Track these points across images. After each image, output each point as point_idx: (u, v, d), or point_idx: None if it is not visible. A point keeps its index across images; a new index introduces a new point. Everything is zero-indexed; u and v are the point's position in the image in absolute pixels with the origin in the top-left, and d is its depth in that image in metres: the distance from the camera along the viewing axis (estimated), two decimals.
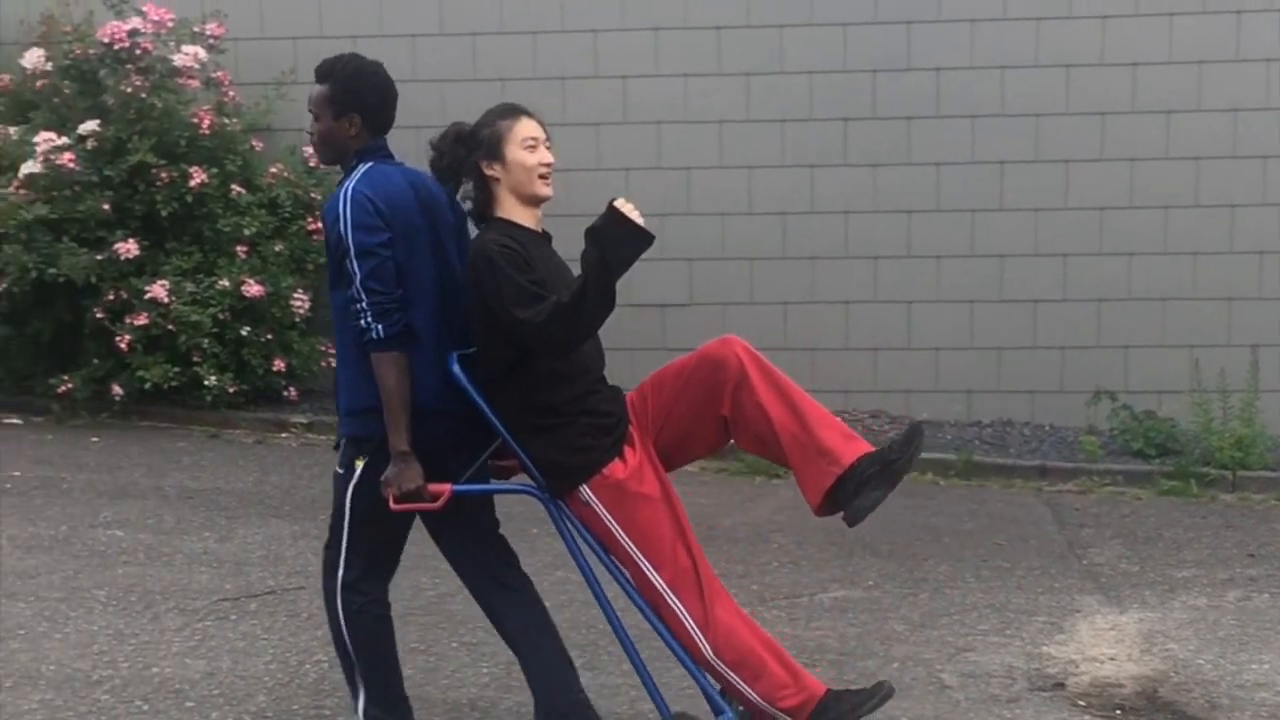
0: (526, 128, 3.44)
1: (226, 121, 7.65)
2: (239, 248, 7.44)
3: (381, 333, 3.31)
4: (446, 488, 3.36)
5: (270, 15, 8.11)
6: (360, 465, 3.40)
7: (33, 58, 7.50)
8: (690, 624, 3.32)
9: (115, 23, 7.40)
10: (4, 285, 7.17)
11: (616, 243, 3.17)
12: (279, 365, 7.49)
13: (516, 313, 3.24)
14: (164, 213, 7.33)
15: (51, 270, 7.09)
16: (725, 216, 7.92)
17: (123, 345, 7.16)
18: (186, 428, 7.45)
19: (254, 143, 7.78)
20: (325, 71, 3.45)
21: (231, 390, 7.35)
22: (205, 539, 5.60)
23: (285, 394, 7.66)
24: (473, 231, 3.50)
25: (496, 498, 3.64)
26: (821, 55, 7.77)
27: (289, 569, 5.25)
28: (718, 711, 3.40)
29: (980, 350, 7.89)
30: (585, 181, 7.23)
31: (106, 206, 7.28)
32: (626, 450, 3.38)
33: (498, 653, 4.14)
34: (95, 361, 7.33)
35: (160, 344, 7.25)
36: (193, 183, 7.32)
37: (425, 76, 7.71)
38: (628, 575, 3.41)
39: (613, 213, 3.17)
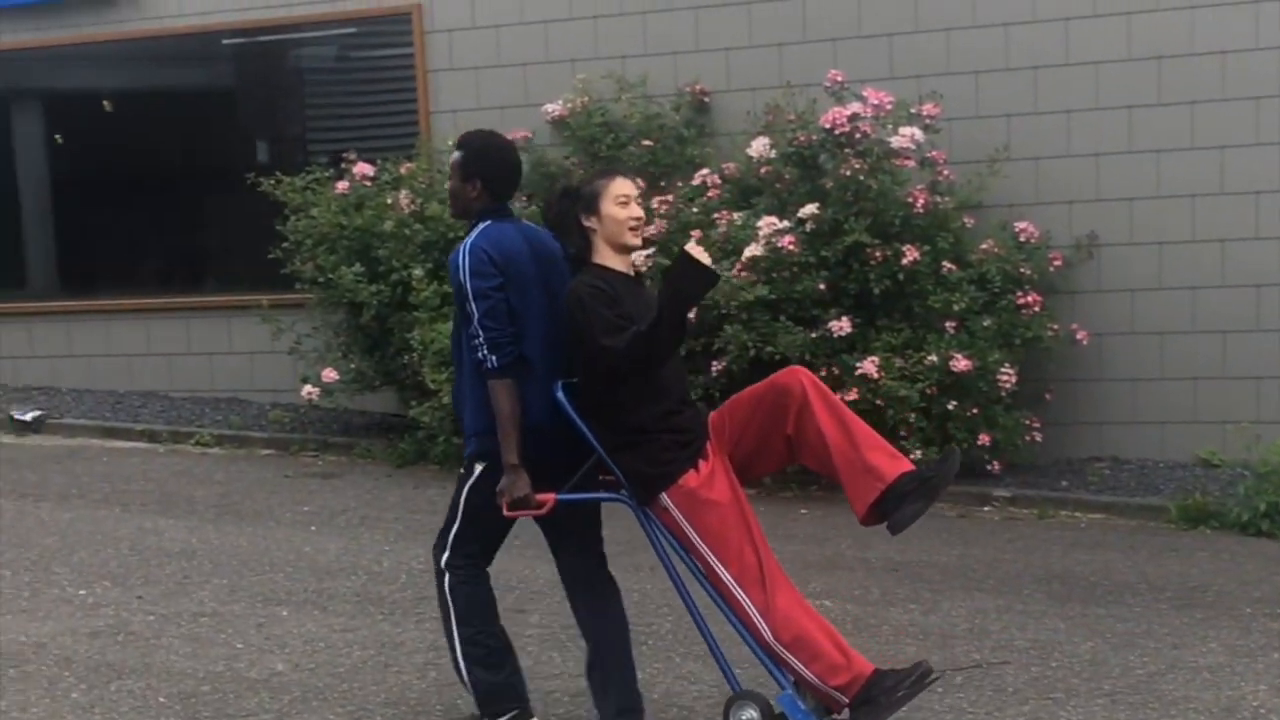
0: (620, 186, 4.67)
1: (940, 200, 8.94)
2: (948, 323, 8.64)
3: (496, 363, 4.59)
4: (551, 497, 4.58)
5: (985, 94, 9.43)
6: (479, 468, 4.71)
7: (758, 146, 9.20)
8: (753, 612, 4.48)
9: (837, 109, 8.87)
10: (724, 364, 8.80)
11: (688, 281, 4.38)
12: (984, 439, 8.59)
13: (603, 340, 4.46)
14: (876, 290, 8.70)
15: (769, 348, 8.60)
16: None
17: None
18: None
19: (966, 219, 9.02)
20: (461, 142, 4.84)
21: None
22: (911, 611, 6.54)
23: (988, 468, 8.76)
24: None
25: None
26: None
27: (994, 643, 6.06)
28: (781, 684, 4.50)
29: None
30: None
31: (822, 286, 8.71)
32: (701, 462, 4.55)
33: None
34: None
35: (868, 419, 8.49)
36: (905, 260, 8.63)
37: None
38: (701, 569, 4.56)
39: (685, 256, 4.38)
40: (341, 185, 9.98)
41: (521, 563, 6.88)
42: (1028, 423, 8.95)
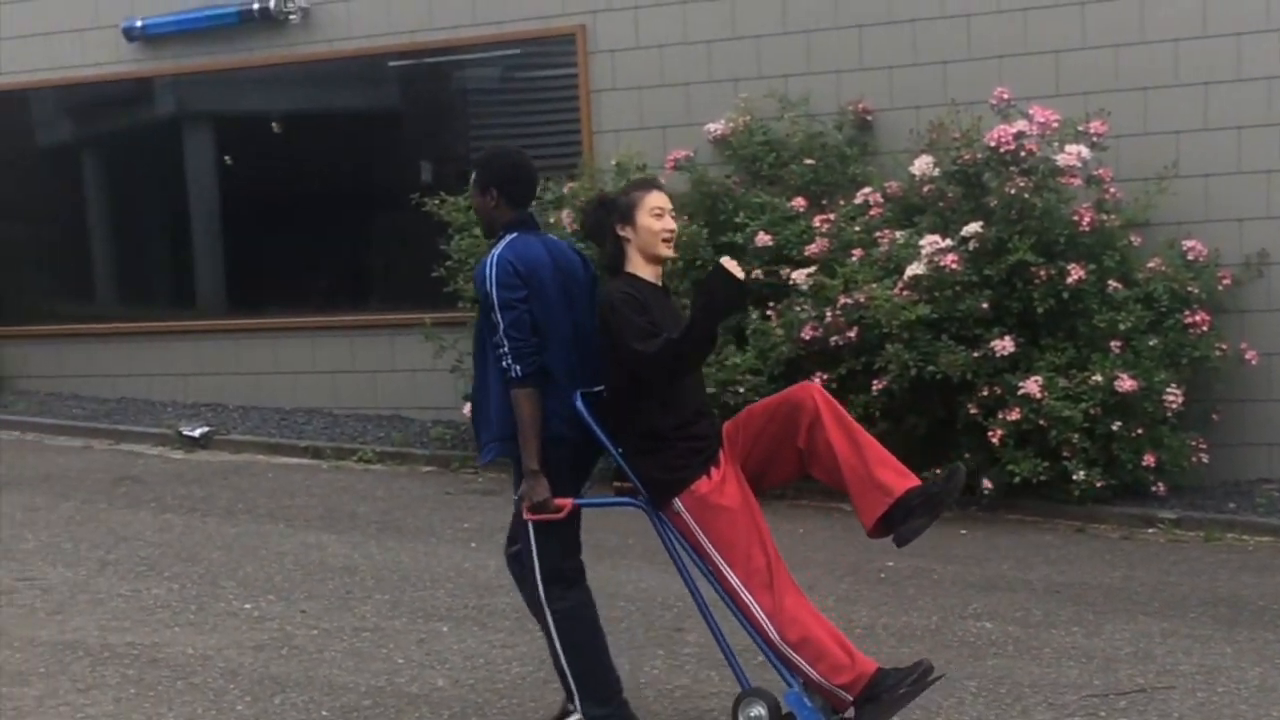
0: (656, 199, 5.09)
1: (1106, 218, 9.18)
2: (1113, 343, 8.87)
3: (519, 372, 4.95)
4: (569, 501, 4.97)
5: (1154, 110, 9.66)
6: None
7: (921, 164, 9.52)
8: (759, 613, 4.89)
9: (1002, 126, 9.14)
10: (885, 383, 9.10)
11: (721, 293, 4.76)
12: (1149, 460, 8.81)
13: (634, 346, 4.84)
14: (1040, 310, 8.96)
15: (930, 368, 8.90)
16: None
17: (994, 440, 8.82)
18: (1052, 521, 8.95)
19: (1132, 238, 9.25)
20: (477, 159, 5.30)
21: (1099, 485, 8.75)
22: (1073, 633, 6.72)
23: (1153, 489, 8.98)
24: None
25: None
26: None
27: (1159, 667, 6.21)
28: (786, 684, 4.89)
29: None
30: None
31: (985, 305, 8.98)
32: (713, 469, 4.96)
33: None
34: (966, 455, 8.97)
35: (1030, 439, 8.83)
36: (1070, 279, 8.88)
37: None
38: (710, 572, 4.96)
39: (719, 268, 4.74)
40: None
41: (679, 582, 7.31)
42: (1194, 444, 9.15)
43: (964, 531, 8.81)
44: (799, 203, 9.92)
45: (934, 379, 8.97)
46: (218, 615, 6.94)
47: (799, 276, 9.41)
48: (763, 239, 9.72)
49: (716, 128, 10.62)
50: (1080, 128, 9.23)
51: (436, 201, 10.73)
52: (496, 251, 5.08)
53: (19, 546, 8.20)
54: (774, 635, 4.89)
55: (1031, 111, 9.18)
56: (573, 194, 10.39)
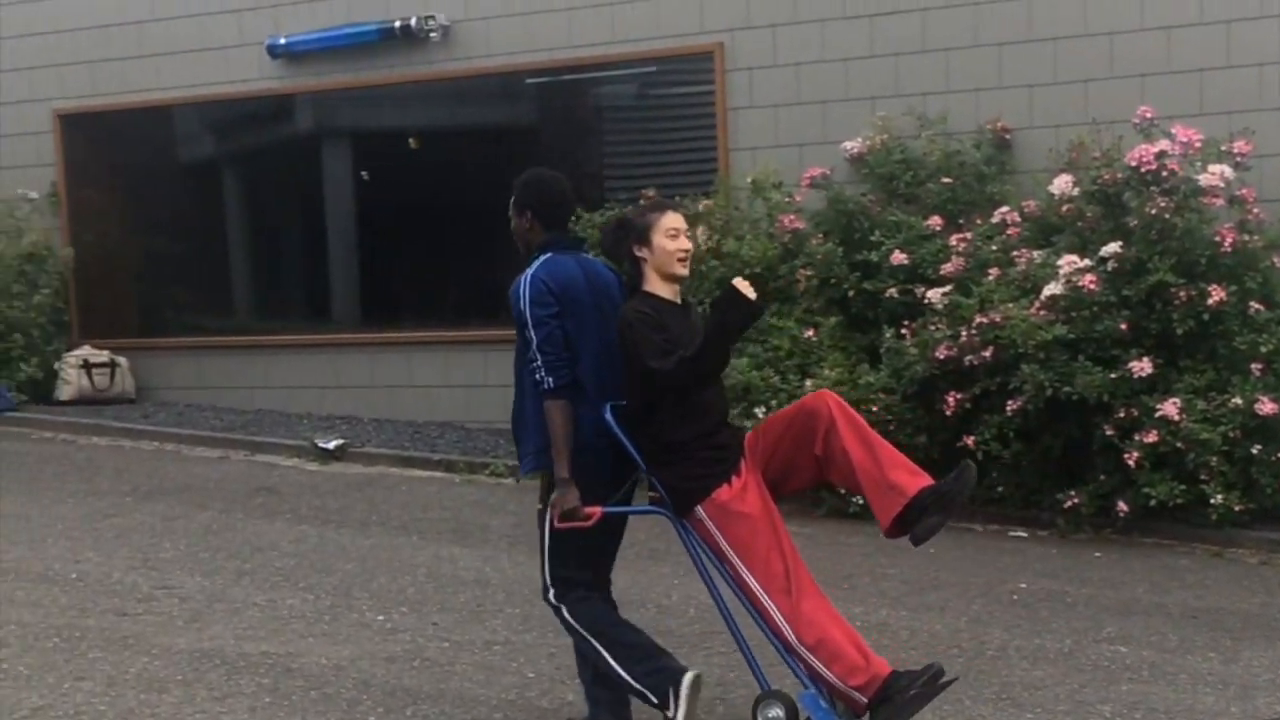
0: (671, 220, 5.43)
1: (1248, 239, 9.32)
2: (1254, 365, 9.02)
3: (551, 384, 5.33)
4: (598, 510, 5.29)
5: None
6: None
7: (1060, 184, 9.70)
8: (778, 616, 5.19)
9: (1144, 146, 9.30)
10: (1020, 403, 9.26)
11: (734, 313, 5.16)
12: None
13: (650, 362, 5.19)
14: (1179, 331, 9.10)
15: (1066, 389, 9.07)
16: None
17: (1130, 462, 8.96)
18: (1189, 545, 9.08)
19: (1275, 259, 9.38)
20: (516, 182, 5.65)
21: (1237, 509, 8.88)
22: (1210, 659, 6.79)
23: None
24: None
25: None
26: None
27: None
28: (804, 684, 5.19)
29: None
30: None
31: (1124, 326, 9.14)
32: (734, 478, 5.27)
33: None
34: (1102, 478, 9.19)
35: (1168, 461, 8.98)
36: (1210, 301, 9.02)
37: None
38: (731, 576, 5.27)
39: (733, 289, 5.14)
40: None
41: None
42: None
43: (1099, 554, 8.97)
44: (935, 221, 10.18)
45: (1070, 400, 9.12)
46: (351, 626, 7.21)
47: (934, 295, 9.66)
48: (898, 257, 10.01)
49: (853, 146, 10.93)
50: (1223, 147, 9.37)
51: (572, 218, 11.07)
52: (530, 271, 5.49)
53: (158, 555, 8.60)
54: (791, 637, 5.20)
55: (1174, 131, 9.34)
56: (708, 212, 10.76)
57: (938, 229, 10.14)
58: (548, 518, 5.48)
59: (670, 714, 5.31)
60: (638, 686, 5.40)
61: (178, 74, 13.63)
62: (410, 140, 13.05)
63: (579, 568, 5.55)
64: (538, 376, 5.38)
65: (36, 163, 14.26)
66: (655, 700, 5.36)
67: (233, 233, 14.04)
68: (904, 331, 9.87)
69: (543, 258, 5.54)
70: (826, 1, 11.32)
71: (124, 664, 6.55)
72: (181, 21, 13.56)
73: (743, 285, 5.17)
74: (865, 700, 5.14)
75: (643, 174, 11.97)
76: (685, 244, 5.45)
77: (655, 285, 5.46)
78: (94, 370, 13.88)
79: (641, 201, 10.84)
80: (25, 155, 14.30)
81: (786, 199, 10.76)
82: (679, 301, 5.52)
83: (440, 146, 13.12)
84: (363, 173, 13.35)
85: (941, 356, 9.53)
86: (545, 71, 12.43)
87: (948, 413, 9.57)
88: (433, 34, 12.51)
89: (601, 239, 5.69)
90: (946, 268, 9.80)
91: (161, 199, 14.21)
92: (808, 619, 5.19)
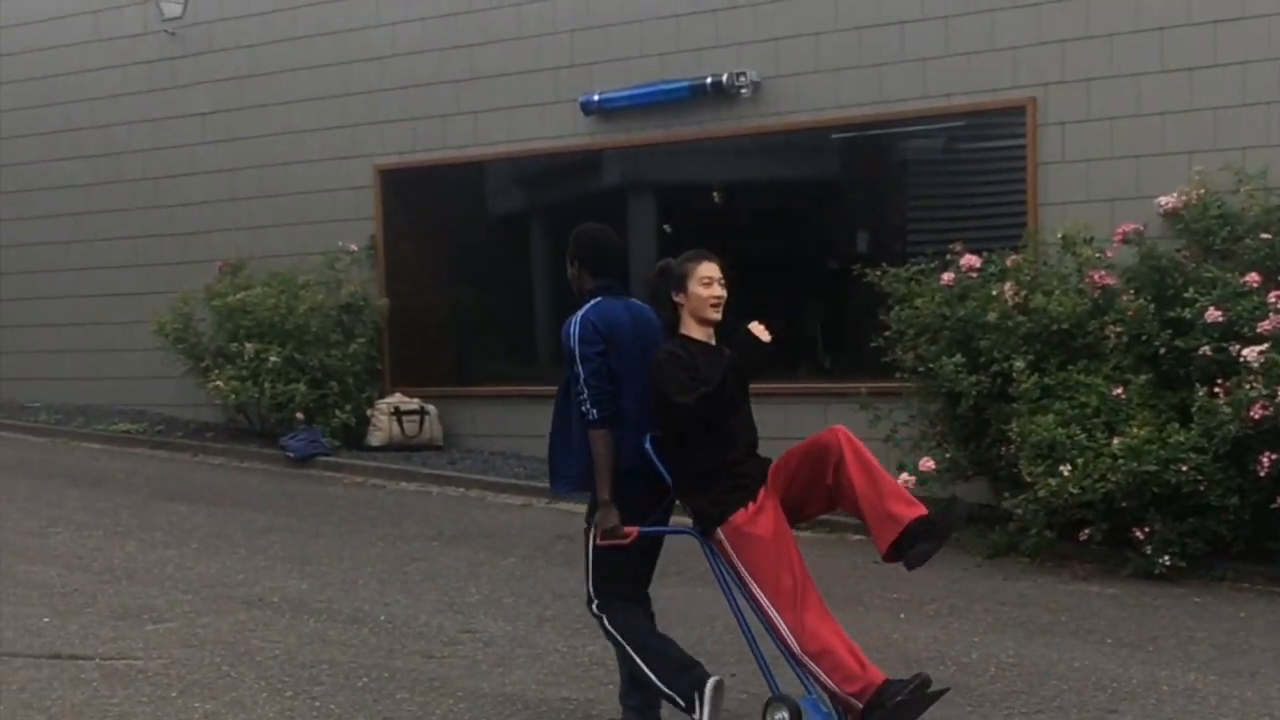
0: (706, 269, 6.22)
1: None
2: None
3: (595, 415, 6.17)
4: (635, 529, 6.09)
5: None
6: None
7: None
8: (784, 627, 6.01)
9: None
10: None
11: (749, 355, 5.97)
12: None
13: (675, 398, 6.00)
14: None
15: None
16: None
17: None
18: None
19: None
20: (570, 235, 6.55)
21: None
22: None
23: None
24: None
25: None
26: None
27: None
28: (807, 689, 6.03)
29: None
30: None
31: None
32: (750, 504, 6.05)
33: None
34: None
35: None
36: None
37: None
38: (745, 591, 6.10)
39: (748, 333, 5.91)
40: (946, 276, 11.25)
41: (1114, 662, 7.87)
42: None
43: None
44: (1252, 278, 10.29)
45: None
46: None
47: (1250, 354, 9.80)
48: (1212, 314, 10.17)
49: (1168, 201, 11.12)
50: None
51: (878, 272, 11.57)
52: (580, 313, 6.38)
53: (464, 599, 9.23)
54: (795, 647, 6.03)
55: None
56: (1015, 267, 11.08)
57: (1255, 285, 10.24)
58: (591, 535, 6.35)
59: (696, 716, 6.12)
60: (667, 691, 6.22)
61: (493, 130, 14.58)
62: (714, 194, 13.69)
63: (619, 581, 6.41)
64: (584, 408, 6.24)
65: (356, 216, 15.36)
66: (683, 704, 6.17)
67: (539, 284, 14.84)
68: (1217, 390, 10.03)
69: (593, 301, 6.43)
70: (1143, 55, 11.55)
71: (430, 705, 7.11)
72: (499, 80, 14.49)
73: (758, 330, 5.98)
74: (861, 706, 5.92)
75: (948, 228, 12.29)
76: (718, 291, 6.26)
77: (690, 328, 6.31)
78: (404, 417, 14.79)
79: (949, 256, 11.32)
80: (345, 209, 15.43)
81: (1097, 254, 10.99)
82: (712, 343, 6.33)
83: (743, 200, 13.78)
84: (666, 226, 14.00)
85: (1256, 416, 9.68)
86: (852, 126, 12.93)
87: (1261, 473, 9.74)
88: (743, 90, 13.09)
89: (645, 286, 6.58)
90: (1264, 325, 9.93)
91: (472, 251, 15.11)
92: (811, 631, 6.00)
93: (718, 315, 6.31)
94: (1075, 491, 9.94)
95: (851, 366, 12.58)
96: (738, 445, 6.25)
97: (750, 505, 6.10)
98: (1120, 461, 9.86)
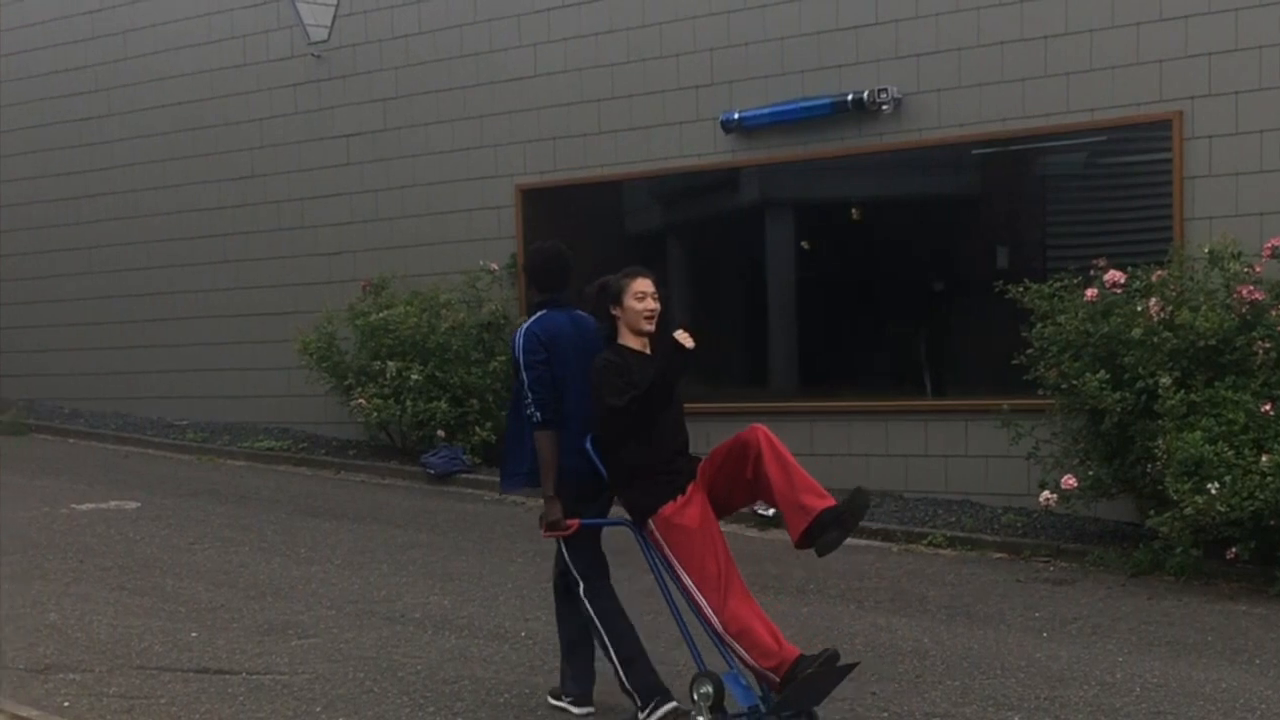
0: (640, 285, 6.85)
1: None
2: None
3: (539, 418, 6.87)
4: (577, 521, 6.85)
5: None
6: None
7: None
8: (708, 609, 6.61)
9: None
10: None
11: (674, 361, 6.57)
12: None
13: (608, 400, 6.66)
14: None
15: None
16: None
17: None
18: None
19: None
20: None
21: None
22: None
23: None
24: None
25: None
26: None
27: None
28: (730, 665, 6.67)
29: None
30: None
31: None
32: (679, 496, 6.68)
33: None
34: None
35: None
36: None
37: None
38: (674, 576, 6.72)
39: (672, 340, 6.47)
40: (1090, 292, 11.20)
41: (1263, 683, 7.95)
42: None
43: None
44: None
45: None
46: None
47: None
48: None
49: None
50: None
51: (1020, 288, 11.55)
52: (525, 325, 7.11)
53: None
54: (718, 627, 6.64)
55: None
56: (1160, 282, 11.02)
57: None
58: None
59: (642, 717, 6.83)
60: (629, 686, 6.92)
61: (633, 149, 14.75)
62: (852, 210, 13.77)
63: (592, 560, 7.15)
64: (529, 411, 6.94)
65: (497, 235, 15.63)
66: (639, 701, 6.86)
67: (678, 302, 14.80)
68: None
69: (538, 314, 7.15)
70: None
71: None
72: (640, 99, 14.67)
73: (682, 337, 6.55)
74: (777, 679, 6.54)
75: (1090, 243, 12.28)
76: (651, 305, 6.90)
77: (626, 338, 6.97)
78: None
79: (1093, 271, 11.29)
80: (487, 228, 15.72)
81: (1245, 269, 10.92)
82: (647, 352, 6.96)
83: (882, 216, 13.84)
84: (803, 242, 14.12)
85: None
86: (993, 142, 12.94)
87: None
88: (885, 106, 13.14)
89: (585, 300, 7.13)
90: None
91: (611, 269, 15.02)
92: (732, 612, 6.59)
93: (650, 327, 6.94)
94: (1223, 509, 9.89)
95: (991, 383, 12.54)
96: (667, 444, 6.90)
97: (679, 498, 6.74)
98: (1269, 479, 9.80)
